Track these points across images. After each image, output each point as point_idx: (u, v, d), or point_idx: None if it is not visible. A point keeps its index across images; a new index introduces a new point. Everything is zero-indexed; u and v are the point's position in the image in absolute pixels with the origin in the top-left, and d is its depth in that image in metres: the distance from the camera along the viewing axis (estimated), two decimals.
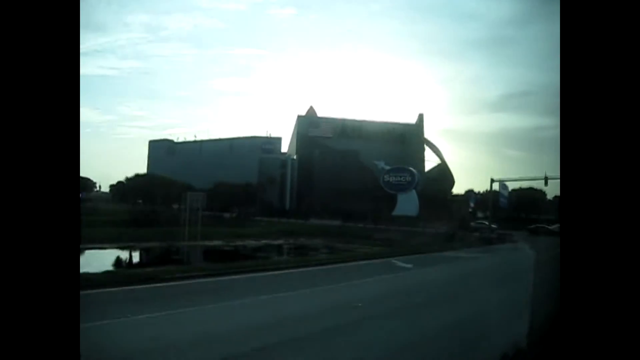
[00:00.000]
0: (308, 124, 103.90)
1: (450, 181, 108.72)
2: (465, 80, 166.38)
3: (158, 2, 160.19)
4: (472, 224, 70.77)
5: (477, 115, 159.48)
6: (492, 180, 54.22)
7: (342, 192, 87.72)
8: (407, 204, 75.78)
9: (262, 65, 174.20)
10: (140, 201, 59.29)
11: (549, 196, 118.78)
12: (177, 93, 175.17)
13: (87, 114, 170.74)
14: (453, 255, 27.01)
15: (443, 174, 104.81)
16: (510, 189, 77.19)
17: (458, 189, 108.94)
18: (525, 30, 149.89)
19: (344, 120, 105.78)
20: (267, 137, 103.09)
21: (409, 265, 19.99)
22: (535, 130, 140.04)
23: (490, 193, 61.34)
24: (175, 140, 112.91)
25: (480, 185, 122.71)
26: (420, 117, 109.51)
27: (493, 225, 64.42)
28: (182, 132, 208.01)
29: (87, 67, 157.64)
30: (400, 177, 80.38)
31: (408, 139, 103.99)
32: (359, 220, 71.52)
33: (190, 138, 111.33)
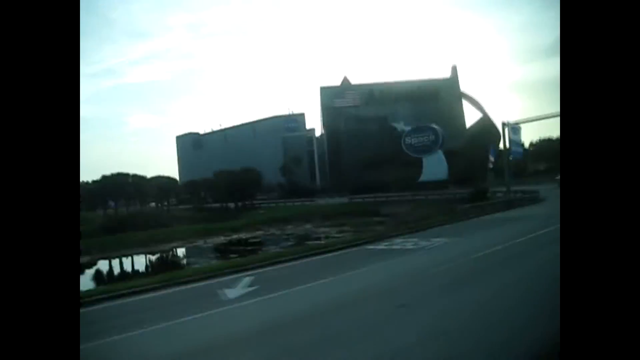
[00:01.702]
0: (333, 95, 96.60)
1: (496, 135, 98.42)
2: (514, 28, 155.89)
3: (196, 0, 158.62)
4: (557, 178, 60.11)
5: (531, 64, 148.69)
6: (504, 125, 43.46)
7: (371, 162, 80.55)
8: (435, 167, 67.25)
9: (297, 41, 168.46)
10: (112, 204, 54.45)
11: None
12: (222, 86, 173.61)
13: (144, 120, 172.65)
14: (410, 244, 18.88)
15: (486, 128, 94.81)
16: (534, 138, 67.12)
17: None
18: None
19: (370, 86, 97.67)
20: (289, 115, 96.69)
21: (249, 290, 12.86)
22: None
23: (503, 144, 50.96)
24: (201, 133, 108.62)
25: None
26: (454, 69, 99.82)
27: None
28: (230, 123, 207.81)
29: (137, 75, 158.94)
30: (423, 137, 71.34)
31: (443, 95, 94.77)
32: (384, 192, 64.73)
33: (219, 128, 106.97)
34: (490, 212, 30.94)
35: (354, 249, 18.23)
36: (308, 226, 41.22)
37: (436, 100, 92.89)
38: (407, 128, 74.63)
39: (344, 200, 56.50)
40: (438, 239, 18.16)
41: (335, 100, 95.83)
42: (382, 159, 77.32)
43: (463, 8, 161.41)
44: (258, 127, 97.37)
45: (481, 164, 77.05)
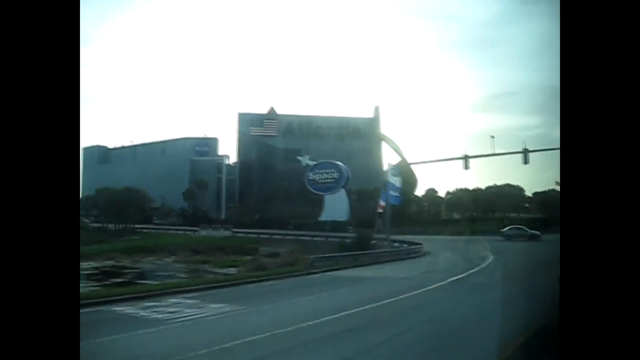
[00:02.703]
0: (251, 123, 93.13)
1: (412, 181, 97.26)
2: (451, 81, 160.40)
3: (137, 13, 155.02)
4: (504, 230, 54.03)
5: (461, 117, 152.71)
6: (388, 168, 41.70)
7: (275, 196, 77.40)
8: (336, 207, 64.31)
9: (229, 65, 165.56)
10: None
11: (528, 192, 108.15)
12: (143, 101, 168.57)
13: None
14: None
15: (403, 173, 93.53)
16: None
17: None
18: (506, 31, 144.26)
19: (290, 117, 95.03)
20: (201, 138, 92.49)
21: None
22: (519, 130, 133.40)
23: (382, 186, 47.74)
24: (110, 147, 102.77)
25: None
26: (377, 110, 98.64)
27: (535, 232, 49.66)
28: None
29: None
30: (326, 174, 68.35)
31: (362, 135, 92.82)
32: (282, 228, 61.42)
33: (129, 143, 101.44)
34: (348, 265, 27.61)
35: (107, 307, 14.34)
36: (168, 260, 37.35)
37: (356, 138, 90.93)
38: (312, 163, 71.61)
39: (227, 233, 52.64)
40: (223, 305, 14.52)
41: (252, 128, 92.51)
42: (287, 193, 74.31)
43: (414, 58, 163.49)
44: (168, 146, 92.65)
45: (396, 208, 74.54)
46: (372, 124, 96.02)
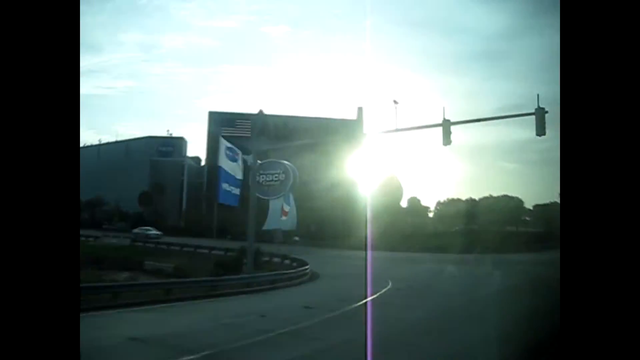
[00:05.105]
0: (221, 122, 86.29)
1: (396, 190, 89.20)
2: (459, 94, 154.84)
3: (152, 21, 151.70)
4: None
5: (471, 128, 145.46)
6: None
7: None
8: (281, 214, 56.43)
9: (254, 81, 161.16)
10: None
11: (527, 204, 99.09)
12: (171, 111, 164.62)
13: (83, 134, 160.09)
14: None
15: (387, 181, 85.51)
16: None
17: None
18: (518, 44, 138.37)
19: (265, 117, 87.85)
20: (165, 138, 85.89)
21: None
22: (531, 143, 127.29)
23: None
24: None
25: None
26: (360, 111, 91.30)
27: None
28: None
29: (82, 87, 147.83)
30: (271, 175, 60.01)
31: (342, 136, 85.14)
32: (220, 237, 54.88)
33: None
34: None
35: None
36: None
37: (337, 140, 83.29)
38: (258, 162, 63.93)
39: (126, 242, 45.55)
40: None
41: (222, 128, 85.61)
42: (244, 198, 67.16)
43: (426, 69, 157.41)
44: (131, 146, 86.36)
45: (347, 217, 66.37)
46: (354, 125, 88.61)
